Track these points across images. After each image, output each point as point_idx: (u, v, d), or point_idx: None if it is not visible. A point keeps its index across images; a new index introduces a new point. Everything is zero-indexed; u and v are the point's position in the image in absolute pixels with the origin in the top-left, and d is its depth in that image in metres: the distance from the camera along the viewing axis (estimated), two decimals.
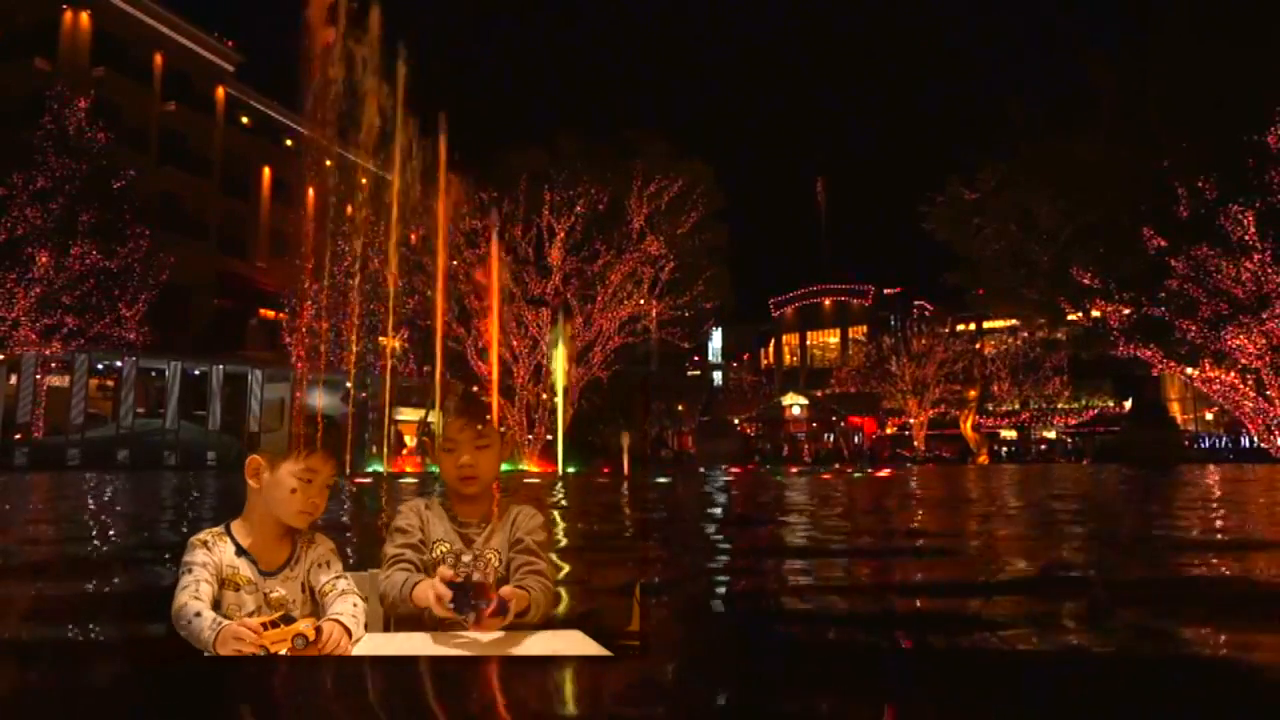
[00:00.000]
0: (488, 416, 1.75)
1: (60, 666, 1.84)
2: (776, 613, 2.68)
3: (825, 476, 17.57)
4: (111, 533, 5.31)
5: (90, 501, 8.13)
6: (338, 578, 1.59)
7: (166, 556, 3.65)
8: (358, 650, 1.46)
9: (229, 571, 1.52)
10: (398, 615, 1.63)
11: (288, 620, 1.37)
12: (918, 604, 2.99)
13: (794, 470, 23.47)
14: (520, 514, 1.77)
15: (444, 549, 1.68)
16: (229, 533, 1.57)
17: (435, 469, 1.83)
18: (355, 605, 1.53)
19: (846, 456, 41.24)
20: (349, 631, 1.46)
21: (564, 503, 7.62)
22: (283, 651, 1.33)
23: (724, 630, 2.51)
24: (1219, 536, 5.23)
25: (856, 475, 18.08)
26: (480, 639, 1.50)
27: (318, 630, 1.39)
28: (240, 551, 1.55)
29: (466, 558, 1.66)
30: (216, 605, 1.47)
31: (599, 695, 1.31)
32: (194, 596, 1.43)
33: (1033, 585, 3.32)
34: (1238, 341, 24.38)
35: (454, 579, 1.50)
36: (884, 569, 3.98)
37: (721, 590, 3.27)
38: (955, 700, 1.55)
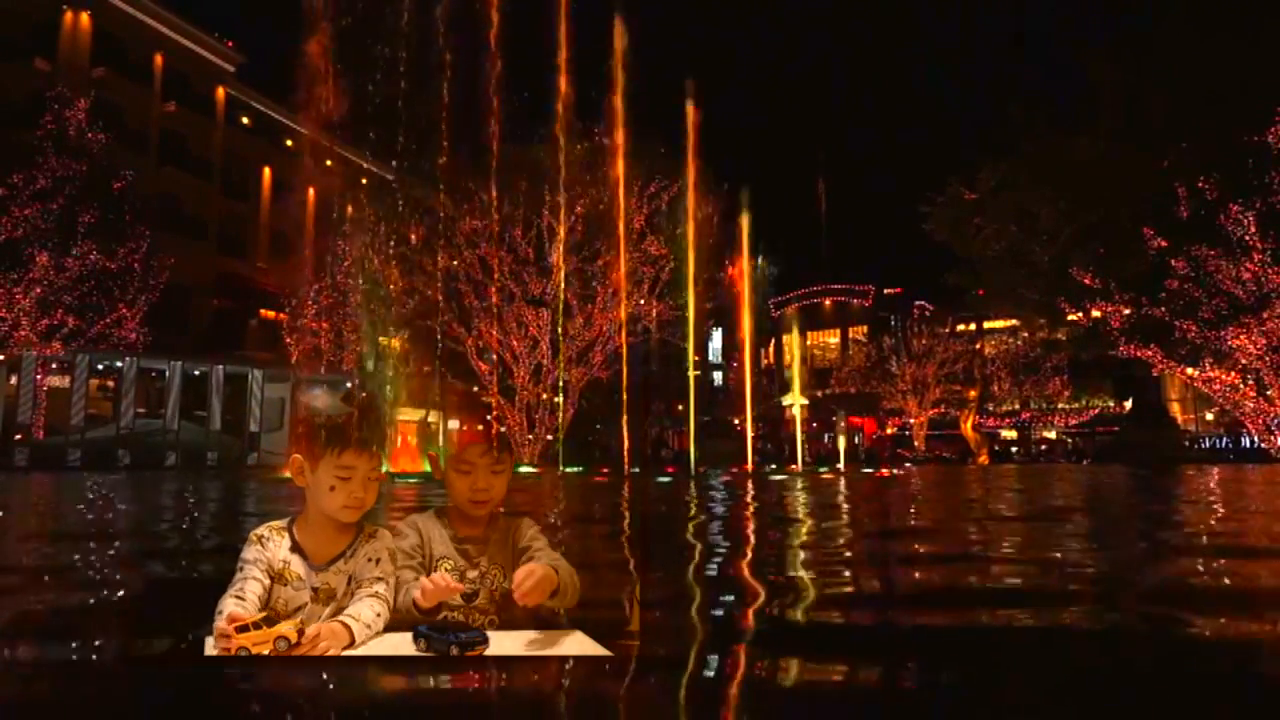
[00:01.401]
0: (507, 446, 1.77)
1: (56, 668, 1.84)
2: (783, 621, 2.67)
3: (825, 476, 17.58)
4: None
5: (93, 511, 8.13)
6: (378, 579, 1.58)
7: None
8: (358, 651, 1.44)
9: (281, 566, 1.53)
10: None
11: (270, 622, 1.35)
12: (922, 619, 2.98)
13: (794, 469, 23.48)
14: (515, 526, 1.79)
15: (448, 566, 1.69)
16: (290, 527, 1.58)
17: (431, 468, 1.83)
18: (377, 614, 1.51)
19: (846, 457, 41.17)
20: (352, 635, 1.43)
21: (557, 517, 7.62)
22: (265, 653, 1.31)
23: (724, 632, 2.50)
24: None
25: (855, 476, 18.08)
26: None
27: (301, 632, 1.37)
28: (294, 547, 1.56)
29: (472, 574, 1.68)
30: (267, 602, 1.48)
31: (598, 695, 1.31)
32: (235, 595, 1.44)
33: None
34: (1238, 341, 24.38)
35: (459, 589, 1.52)
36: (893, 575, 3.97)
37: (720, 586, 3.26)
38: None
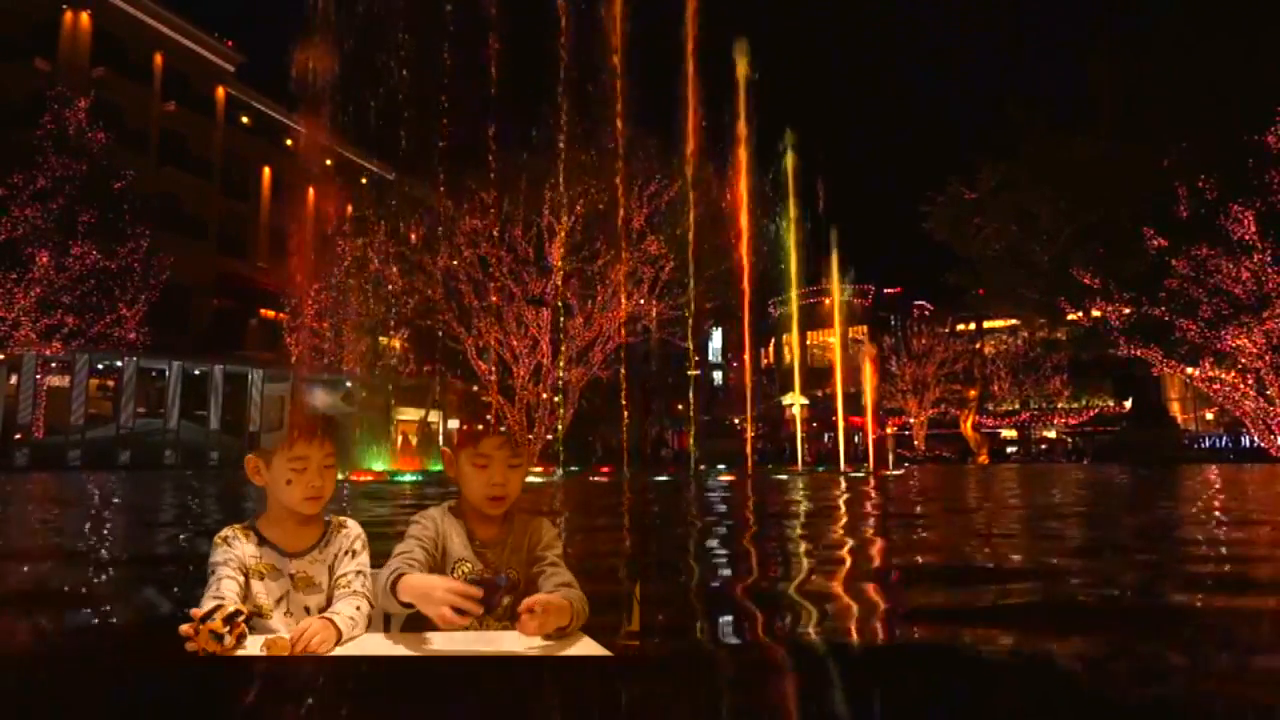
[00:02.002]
0: (518, 439, 1.71)
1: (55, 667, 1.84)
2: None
3: (824, 476, 17.59)
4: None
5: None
6: (357, 573, 1.57)
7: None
8: (352, 650, 1.43)
9: (253, 562, 1.53)
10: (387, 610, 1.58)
11: (208, 618, 1.32)
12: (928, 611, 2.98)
13: (794, 469, 23.49)
14: (533, 528, 1.71)
15: (466, 569, 1.62)
16: (254, 527, 1.58)
17: (437, 468, 1.81)
18: (359, 608, 1.50)
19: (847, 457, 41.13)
20: (339, 631, 1.42)
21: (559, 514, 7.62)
22: (211, 651, 1.29)
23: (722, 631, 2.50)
24: None
25: (857, 475, 18.10)
26: (475, 640, 1.48)
27: (235, 616, 1.32)
28: (263, 541, 1.56)
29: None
30: (247, 598, 1.48)
31: (598, 695, 1.31)
32: (213, 595, 1.43)
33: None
34: (1238, 341, 24.38)
35: (479, 579, 1.45)
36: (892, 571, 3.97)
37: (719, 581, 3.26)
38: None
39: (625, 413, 20.63)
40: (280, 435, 1.61)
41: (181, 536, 5.27)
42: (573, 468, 21.21)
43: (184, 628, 1.33)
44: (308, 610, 1.53)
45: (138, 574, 3.72)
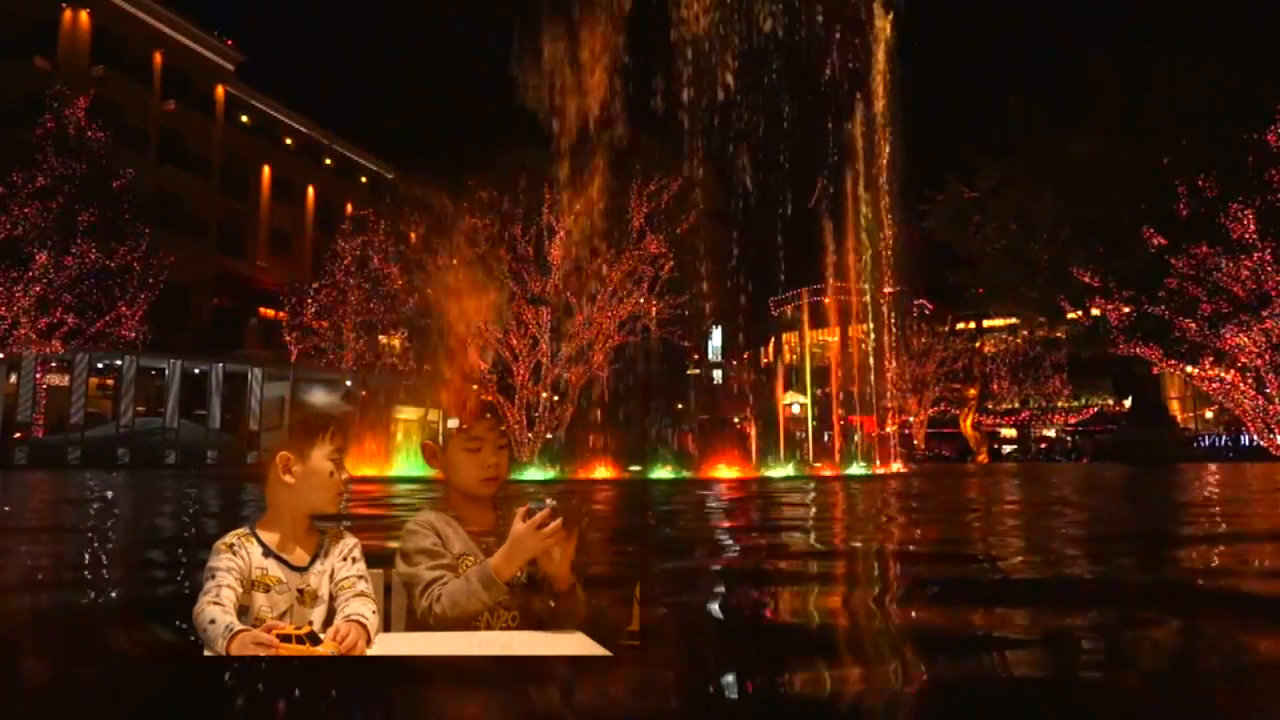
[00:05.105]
0: (502, 425, 1.73)
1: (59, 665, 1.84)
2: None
3: (824, 475, 17.58)
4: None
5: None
6: (359, 577, 1.56)
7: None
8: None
9: (258, 574, 1.49)
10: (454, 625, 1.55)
11: (315, 640, 1.33)
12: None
13: (800, 469, 23.48)
14: (519, 518, 1.68)
15: (469, 562, 1.61)
16: (254, 534, 1.54)
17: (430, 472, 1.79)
18: (374, 611, 1.49)
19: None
20: (369, 634, 1.42)
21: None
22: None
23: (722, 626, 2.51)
24: None
25: (854, 474, 18.08)
26: (479, 640, 1.49)
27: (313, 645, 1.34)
28: (268, 552, 1.52)
29: None
30: (245, 610, 1.44)
31: (599, 695, 1.31)
32: (213, 602, 1.40)
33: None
34: (1238, 340, 24.39)
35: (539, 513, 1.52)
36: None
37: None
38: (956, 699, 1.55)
39: (624, 414, 20.63)
40: (283, 434, 1.59)
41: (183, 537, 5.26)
42: (573, 468, 21.21)
43: (262, 637, 1.31)
44: (311, 624, 1.51)
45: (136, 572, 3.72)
